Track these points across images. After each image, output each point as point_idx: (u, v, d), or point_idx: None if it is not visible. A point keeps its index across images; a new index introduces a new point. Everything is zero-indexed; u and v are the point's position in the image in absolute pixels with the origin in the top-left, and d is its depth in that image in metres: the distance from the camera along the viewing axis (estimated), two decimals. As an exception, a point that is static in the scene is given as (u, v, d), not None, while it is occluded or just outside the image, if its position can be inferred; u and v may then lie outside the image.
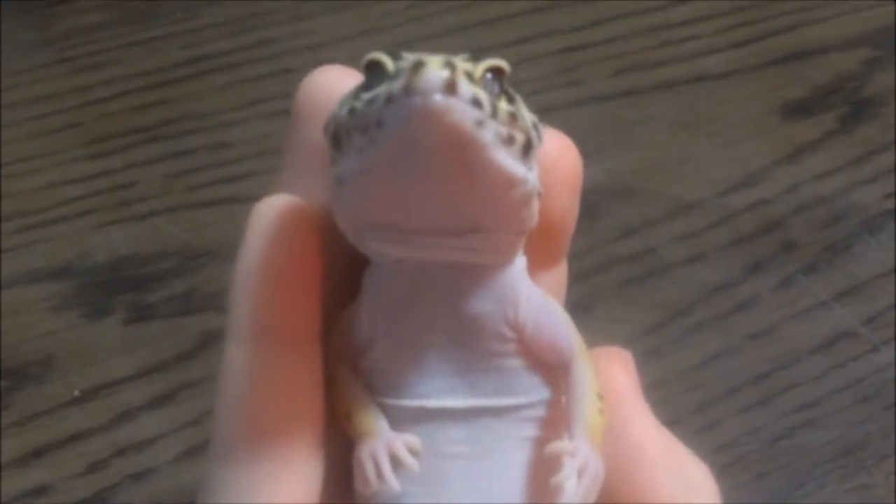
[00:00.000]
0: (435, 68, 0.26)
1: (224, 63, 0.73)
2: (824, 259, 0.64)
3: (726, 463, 0.55)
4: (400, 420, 0.30)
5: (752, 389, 0.58)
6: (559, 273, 0.34)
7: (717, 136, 0.71)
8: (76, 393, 0.56)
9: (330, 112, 0.29)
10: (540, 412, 0.31)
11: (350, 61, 0.30)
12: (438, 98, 0.25)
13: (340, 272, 0.31)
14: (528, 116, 0.28)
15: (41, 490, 0.52)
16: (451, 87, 0.25)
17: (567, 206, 0.32)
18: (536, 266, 0.32)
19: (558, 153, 0.31)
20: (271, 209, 0.30)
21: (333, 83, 0.31)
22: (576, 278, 0.33)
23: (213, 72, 0.72)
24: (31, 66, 0.71)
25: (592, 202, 0.66)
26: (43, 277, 0.61)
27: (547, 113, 0.71)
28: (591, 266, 0.63)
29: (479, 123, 0.26)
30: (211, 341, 0.58)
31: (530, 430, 0.31)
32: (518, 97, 0.29)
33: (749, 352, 0.60)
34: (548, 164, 0.30)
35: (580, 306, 0.58)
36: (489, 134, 0.26)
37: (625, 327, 0.60)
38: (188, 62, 0.73)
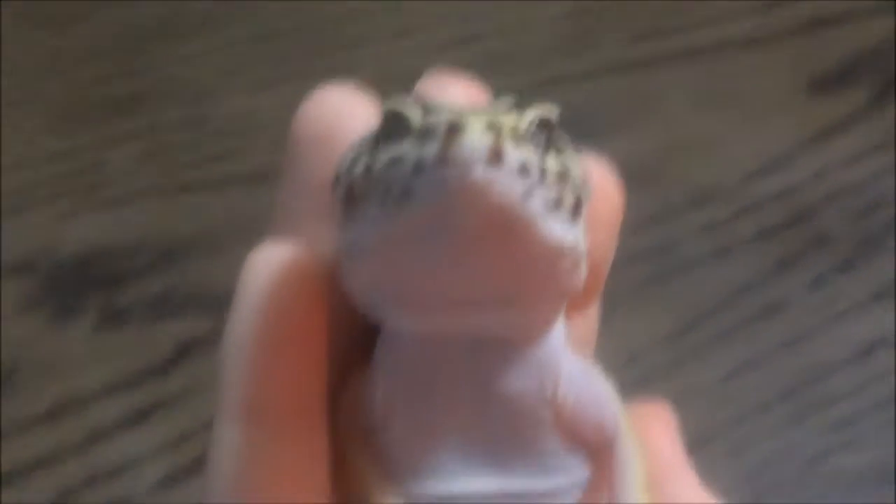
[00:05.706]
0: (477, 133, 0.21)
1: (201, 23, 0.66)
2: (860, 255, 0.59)
3: (760, 490, 0.51)
4: None
5: (782, 406, 0.54)
6: (592, 314, 0.31)
7: (739, 112, 0.66)
8: (44, 410, 0.51)
9: (339, 165, 0.25)
10: (580, 493, 0.28)
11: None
12: (480, 172, 0.21)
13: (351, 325, 0.27)
14: (576, 167, 0.24)
15: (7, 523, 0.48)
16: (495, 157, 0.21)
17: (605, 246, 0.29)
18: (569, 309, 0.28)
19: (597, 187, 0.27)
20: (268, 262, 0.26)
21: (337, 110, 0.27)
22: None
23: (189, 35, 0.66)
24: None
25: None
26: (6, 273, 0.55)
27: (555, 85, 0.66)
28: (607, 262, 0.58)
29: (527, 194, 0.22)
30: (191, 349, 0.53)
31: None
32: (565, 142, 0.25)
33: (779, 362, 0.55)
34: None
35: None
36: (537, 204, 0.22)
37: (643, 333, 0.56)
38: (160, 22, 0.66)
